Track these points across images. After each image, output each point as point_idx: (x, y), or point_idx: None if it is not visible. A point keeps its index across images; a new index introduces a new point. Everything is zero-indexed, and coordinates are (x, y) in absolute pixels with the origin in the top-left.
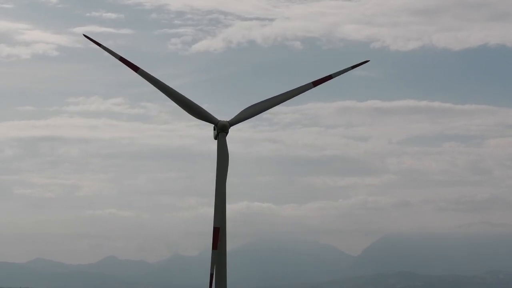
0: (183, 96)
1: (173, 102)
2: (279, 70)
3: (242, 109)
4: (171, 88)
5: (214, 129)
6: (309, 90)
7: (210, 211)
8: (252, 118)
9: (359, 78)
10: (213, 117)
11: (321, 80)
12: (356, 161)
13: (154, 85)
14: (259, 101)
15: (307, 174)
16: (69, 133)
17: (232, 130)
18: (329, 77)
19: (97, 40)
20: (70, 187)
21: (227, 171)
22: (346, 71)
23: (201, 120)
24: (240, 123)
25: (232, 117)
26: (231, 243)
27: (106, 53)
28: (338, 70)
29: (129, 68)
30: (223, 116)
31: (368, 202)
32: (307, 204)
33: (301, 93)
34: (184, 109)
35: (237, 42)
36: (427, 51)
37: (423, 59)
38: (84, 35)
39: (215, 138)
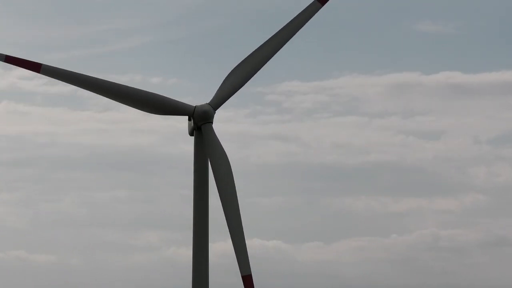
0: (127, 88)
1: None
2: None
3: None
4: (106, 82)
5: (190, 120)
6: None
7: (185, 253)
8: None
9: (424, 35)
10: (184, 104)
11: None
12: (420, 172)
13: (75, 84)
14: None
15: (337, 193)
16: None
17: (218, 121)
18: None
19: None
20: None
21: (233, 183)
22: None
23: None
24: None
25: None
26: None
27: None
28: None
29: None
30: (204, 98)
31: (440, 239)
32: (338, 242)
33: (304, 23)
34: (132, 106)
35: None
36: None
37: None
38: None
39: (191, 134)
